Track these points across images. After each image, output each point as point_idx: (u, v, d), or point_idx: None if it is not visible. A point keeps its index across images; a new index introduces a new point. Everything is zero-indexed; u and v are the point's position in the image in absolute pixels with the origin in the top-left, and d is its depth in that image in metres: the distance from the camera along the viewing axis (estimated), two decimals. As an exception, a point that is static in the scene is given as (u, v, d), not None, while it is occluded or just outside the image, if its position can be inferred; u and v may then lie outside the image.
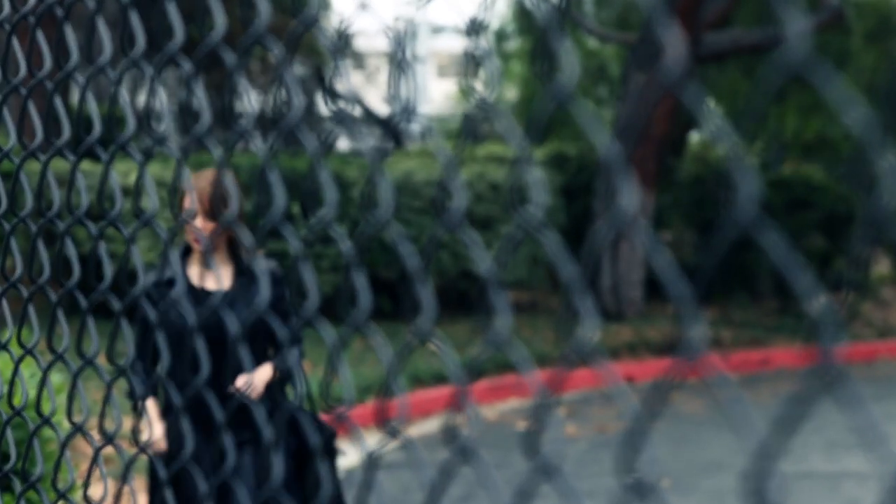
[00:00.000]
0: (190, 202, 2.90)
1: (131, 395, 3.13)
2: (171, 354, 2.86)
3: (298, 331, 3.01)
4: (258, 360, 3.01)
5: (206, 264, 3.04)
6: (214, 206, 2.93)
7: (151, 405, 3.14)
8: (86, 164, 7.19)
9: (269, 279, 2.99)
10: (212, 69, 8.33)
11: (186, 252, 3.08)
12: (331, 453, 3.16)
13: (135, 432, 2.55)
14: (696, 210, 10.55)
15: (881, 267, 11.87)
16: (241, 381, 2.91)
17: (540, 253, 9.27)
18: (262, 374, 3.04)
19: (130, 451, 2.40)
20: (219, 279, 3.05)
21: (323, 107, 10.39)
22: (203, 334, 2.84)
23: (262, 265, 3.01)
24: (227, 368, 2.72)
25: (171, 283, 2.97)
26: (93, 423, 2.94)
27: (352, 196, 8.23)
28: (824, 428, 6.17)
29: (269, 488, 2.61)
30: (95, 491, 3.47)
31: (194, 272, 3.07)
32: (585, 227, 9.71)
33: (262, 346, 3.07)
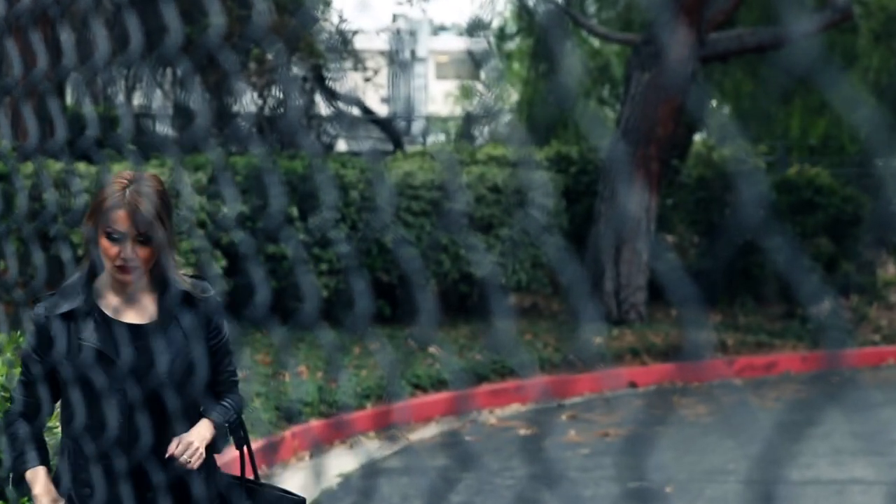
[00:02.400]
0: (118, 220, 2.20)
1: (14, 465, 2.35)
2: (75, 408, 2.22)
3: (235, 373, 2.45)
4: (189, 412, 2.30)
5: (125, 293, 2.30)
6: (148, 226, 2.20)
7: (40, 475, 2.32)
8: (81, 166, 7.04)
9: (203, 309, 2.32)
10: (208, 69, 8.25)
11: (91, 274, 2.31)
12: None
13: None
14: (700, 212, 10.47)
15: (888, 270, 11.78)
16: (175, 446, 2.23)
17: (541, 256, 9.19)
18: (202, 434, 2.29)
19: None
20: (141, 310, 2.32)
21: (322, 107, 10.32)
22: (121, 382, 2.23)
23: (195, 289, 2.34)
24: (153, 425, 2.17)
25: (70, 315, 2.26)
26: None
27: (350, 198, 8.16)
28: (831, 434, 6.11)
29: None
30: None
31: (107, 300, 2.30)
32: (588, 230, 9.63)
33: (193, 393, 2.32)
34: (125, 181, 2.24)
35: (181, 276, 2.34)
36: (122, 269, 2.22)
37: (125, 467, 2.20)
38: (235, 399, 2.42)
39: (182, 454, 2.23)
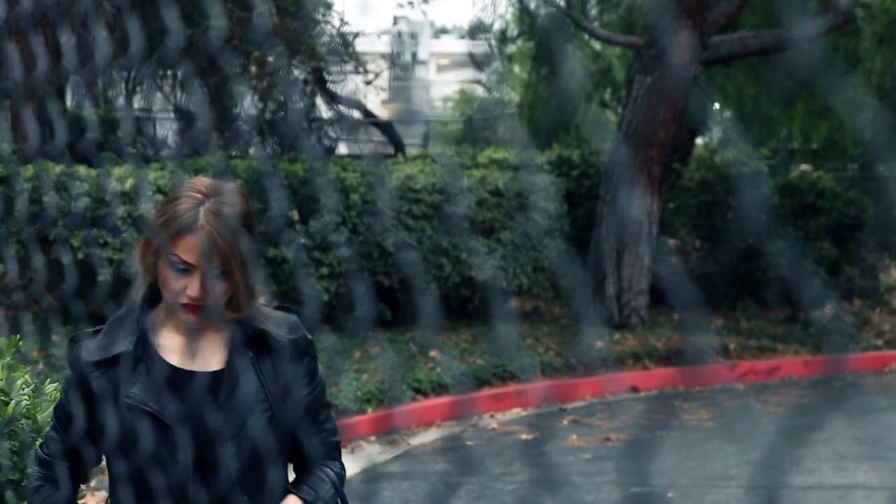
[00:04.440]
0: (186, 248, 1.68)
1: None
2: (125, 477, 1.74)
3: (335, 432, 1.90)
4: (270, 486, 1.80)
5: (188, 333, 1.78)
6: (224, 258, 1.69)
7: None
8: (81, 169, 7.02)
9: (289, 351, 1.80)
10: (209, 72, 8.24)
11: (147, 306, 1.79)
12: None
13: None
14: (702, 216, 10.45)
15: (891, 274, 11.76)
16: None
17: (543, 259, 9.17)
18: None
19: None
20: (209, 353, 1.80)
21: (323, 110, 10.31)
22: (181, 449, 1.71)
23: (279, 325, 1.82)
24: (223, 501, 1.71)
25: (116, 361, 1.76)
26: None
27: (351, 201, 8.14)
28: (834, 439, 6.08)
29: None
30: (89, 501, 3.37)
31: (166, 340, 1.78)
32: (589, 234, 9.61)
33: (279, 453, 1.81)
34: (200, 195, 1.70)
35: (261, 309, 1.80)
36: (187, 307, 1.71)
37: None
38: (334, 468, 1.87)
39: None
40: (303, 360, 1.82)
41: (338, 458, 1.90)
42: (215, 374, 1.77)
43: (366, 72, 10.50)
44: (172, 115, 9.23)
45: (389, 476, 5.62)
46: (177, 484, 1.73)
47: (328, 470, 1.86)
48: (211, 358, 1.78)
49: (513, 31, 13.65)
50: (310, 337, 1.84)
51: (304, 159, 8.18)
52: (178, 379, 1.75)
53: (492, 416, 7.16)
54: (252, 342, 1.77)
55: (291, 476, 1.88)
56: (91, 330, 1.81)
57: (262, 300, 1.83)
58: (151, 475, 1.73)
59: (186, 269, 1.69)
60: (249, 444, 1.75)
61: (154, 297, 1.78)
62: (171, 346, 1.78)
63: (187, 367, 1.77)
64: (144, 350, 1.76)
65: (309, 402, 1.82)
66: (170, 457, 1.73)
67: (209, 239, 1.67)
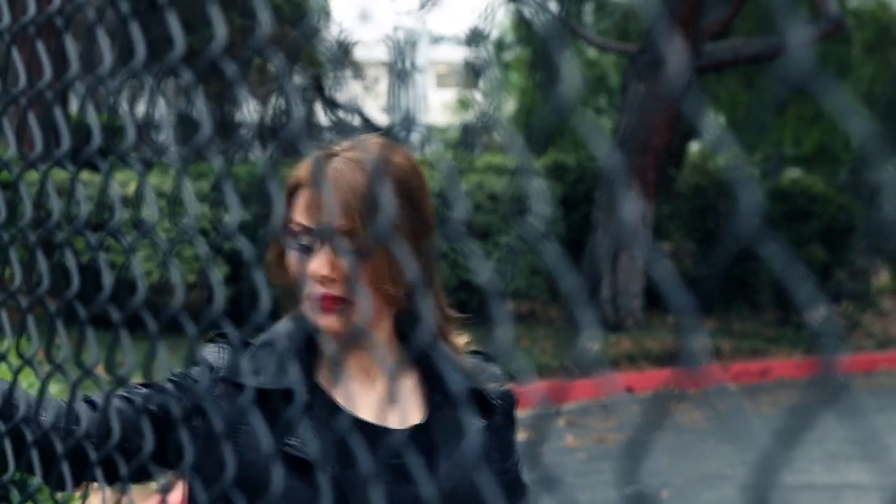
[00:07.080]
0: (304, 209, 1.20)
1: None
2: None
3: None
4: None
5: (360, 364, 1.27)
6: (351, 219, 1.17)
7: None
8: (85, 174, 7.21)
9: (499, 415, 1.29)
10: (211, 79, 8.34)
11: (310, 346, 1.25)
12: None
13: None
14: (696, 220, 10.55)
15: (881, 277, 11.87)
16: None
17: (539, 263, 9.26)
18: None
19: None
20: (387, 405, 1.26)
21: (322, 116, 10.39)
22: None
23: (484, 383, 1.29)
24: None
25: (269, 395, 1.18)
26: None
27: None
28: (825, 439, 6.17)
29: None
30: (94, 501, 3.47)
31: (337, 388, 1.25)
32: (585, 238, 9.71)
33: None
34: (340, 149, 1.21)
35: (458, 351, 1.30)
36: (317, 301, 1.16)
37: None
38: None
39: None
40: (512, 424, 1.31)
41: None
42: (414, 432, 1.23)
43: (364, 79, 10.60)
44: (174, 120, 9.33)
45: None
46: None
47: None
48: (400, 410, 1.25)
49: (510, 38, 13.76)
50: (511, 390, 1.33)
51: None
52: (368, 434, 1.19)
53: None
54: (457, 396, 1.22)
55: None
56: (240, 337, 1.16)
57: (464, 340, 1.32)
58: None
59: (307, 245, 1.18)
60: None
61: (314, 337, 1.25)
62: (342, 392, 1.24)
63: (372, 420, 1.22)
64: (311, 388, 1.21)
65: (510, 482, 1.29)
66: None
67: (334, 192, 1.13)
